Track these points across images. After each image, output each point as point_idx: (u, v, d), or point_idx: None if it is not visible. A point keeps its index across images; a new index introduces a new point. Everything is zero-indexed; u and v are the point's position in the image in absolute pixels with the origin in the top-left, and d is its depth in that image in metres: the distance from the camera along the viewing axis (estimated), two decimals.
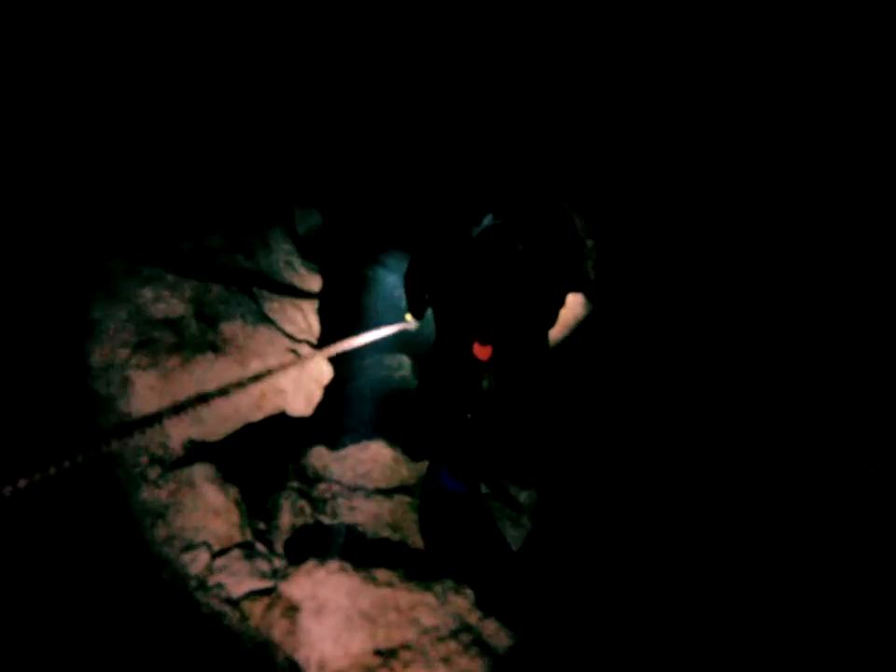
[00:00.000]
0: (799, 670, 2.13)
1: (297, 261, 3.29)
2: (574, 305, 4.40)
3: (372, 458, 2.95)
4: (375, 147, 4.30)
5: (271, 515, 2.76)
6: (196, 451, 2.68)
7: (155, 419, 1.82)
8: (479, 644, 2.20)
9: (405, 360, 3.72)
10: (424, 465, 2.95)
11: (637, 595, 2.51)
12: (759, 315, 3.11)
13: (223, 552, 2.57)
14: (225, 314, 2.78)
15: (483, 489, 2.88)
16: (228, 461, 2.74)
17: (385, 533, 2.65)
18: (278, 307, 3.02)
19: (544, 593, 2.55)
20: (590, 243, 4.56)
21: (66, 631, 2.00)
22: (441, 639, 2.20)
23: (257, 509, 2.79)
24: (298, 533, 2.63)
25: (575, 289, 4.39)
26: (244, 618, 2.41)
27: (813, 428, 2.64)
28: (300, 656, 2.17)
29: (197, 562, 2.53)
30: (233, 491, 2.66)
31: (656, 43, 3.39)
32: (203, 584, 2.50)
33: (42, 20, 2.77)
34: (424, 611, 2.38)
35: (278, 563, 2.56)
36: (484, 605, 2.34)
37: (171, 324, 2.66)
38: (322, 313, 3.46)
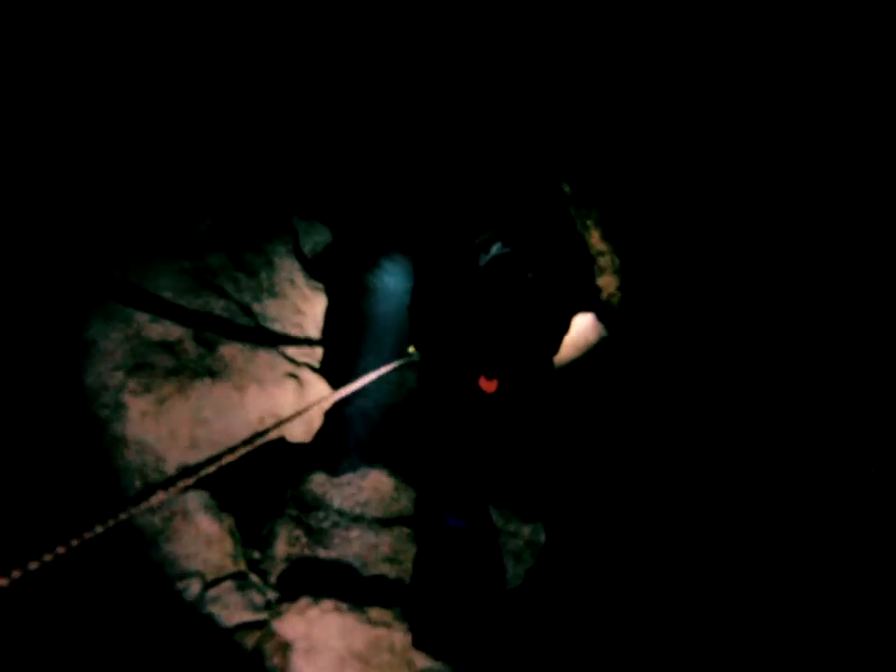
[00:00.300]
0: (799, 670, 2.10)
1: (301, 279, 3.22)
2: (585, 327, 4.30)
3: (373, 486, 2.88)
4: (382, 158, 4.22)
5: (266, 543, 2.70)
6: (190, 477, 2.61)
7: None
8: None
9: (410, 377, 3.64)
10: (425, 495, 2.87)
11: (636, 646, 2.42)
12: (771, 324, 3.04)
13: (216, 582, 2.51)
14: (224, 336, 2.72)
15: (497, 521, 2.79)
16: (224, 487, 2.68)
17: (383, 567, 2.57)
18: (280, 328, 2.95)
19: (534, 638, 2.46)
20: (602, 260, 4.45)
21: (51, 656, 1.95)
22: None
23: (252, 536, 2.73)
24: (293, 565, 2.57)
25: (585, 310, 4.29)
26: (234, 652, 2.35)
27: (813, 429, 2.61)
28: None
29: (189, 591, 2.48)
30: (228, 520, 2.59)
31: (662, 52, 3.30)
32: (194, 614, 2.44)
33: (41, 19, 2.72)
34: (418, 653, 2.31)
35: (271, 595, 2.50)
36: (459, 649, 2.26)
37: (168, 347, 2.60)
38: (327, 330, 3.39)
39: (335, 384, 3.27)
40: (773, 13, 2.79)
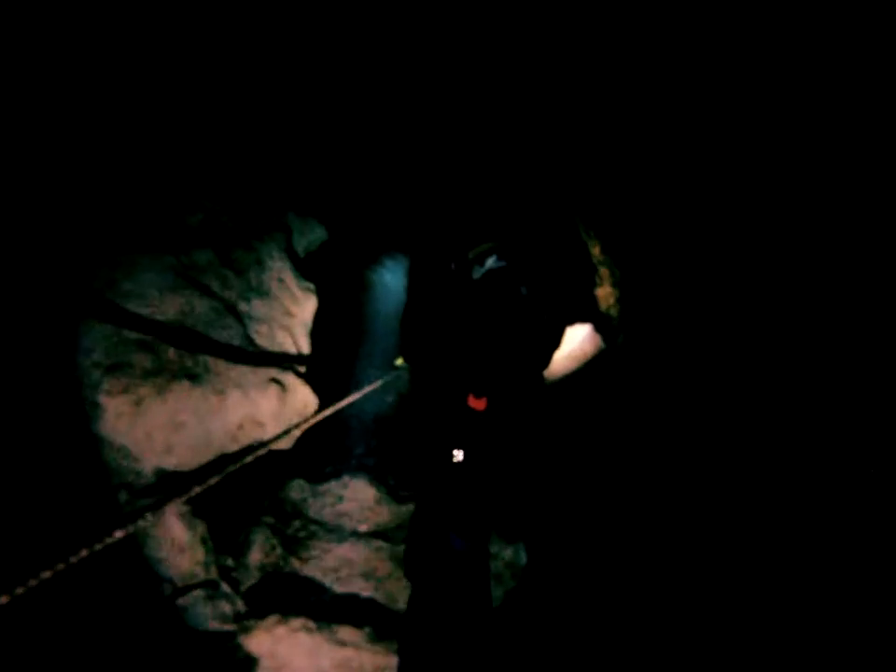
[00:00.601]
0: (799, 670, 2.10)
1: (291, 280, 3.13)
2: (582, 339, 4.21)
3: (353, 496, 2.81)
4: (384, 160, 4.12)
5: (241, 551, 2.64)
6: (166, 481, 2.55)
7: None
8: None
9: (397, 385, 3.57)
10: (406, 508, 2.81)
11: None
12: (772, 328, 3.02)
13: (186, 590, 2.46)
14: (207, 337, 2.64)
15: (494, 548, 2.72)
16: (199, 493, 2.61)
17: (356, 583, 2.51)
18: (266, 330, 2.87)
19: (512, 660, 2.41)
20: (602, 270, 4.36)
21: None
22: None
23: (227, 542, 2.67)
24: (266, 576, 2.51)
25: (583, 321, 4.20)
26: (198, 664, 2.30)
27: (813, 429, 2.60)
28: None
29: (159, 598, 2.42)
30: (201, 527, 2.53)
31: (667, 62, 3.22)
32: (162, 622, 2.39)
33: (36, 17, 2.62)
34: None
35: (241, 606, 2.45)
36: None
37: (147, 346, 2.52)
38: (318, 331, 3.32)
39: (330, 385, 3.21)
40: (773, 13, 2.74)
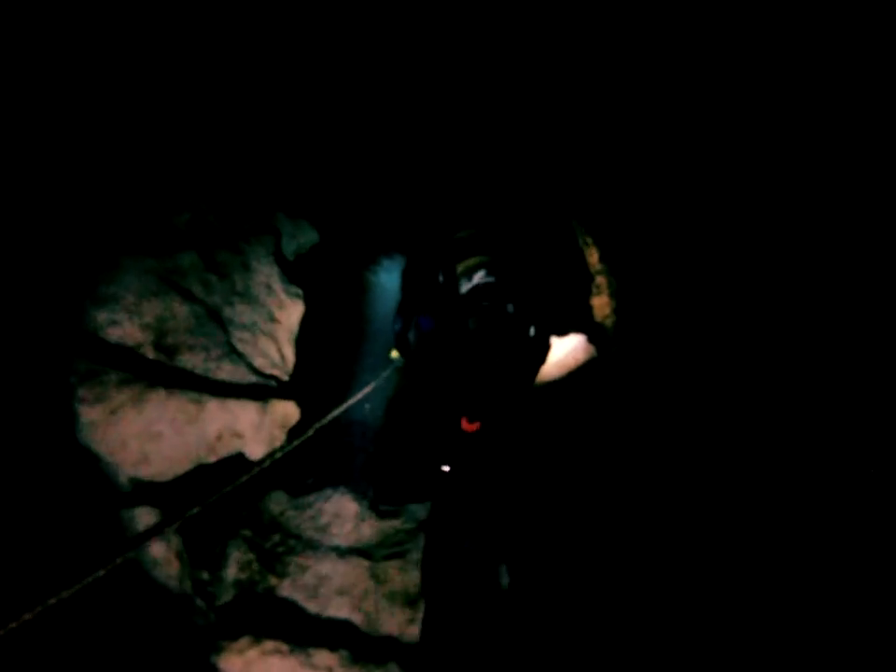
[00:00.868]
0: (799, 670, 2.10)
1: (278, 285, 3.05)
2: (575, 347, 4.15)
3: (334, 511, 2.74)
4: (379, 163, 4.03)
5: (217, 564, 2.57)
6: (142, 492, 2.48)
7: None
8: None
9: (383, 397, 3.50)
10: (388, 524, 2.74)
11: None
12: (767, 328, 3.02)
13: (159, 604, 2.39)
14: (187, 344, 2.56)
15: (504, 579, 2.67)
16: (176, 504, 2.54)
17: (334, 602, 2.44)
18: (249, 337, 2.79)
19: None
20: (599, 279, 4.28)
21: None
22: None
23: (204, 555, 2.60)
24: (241, 592, 2.44)
25: (577, 330, 4.13)
26: None
27: (813, 429, 2.63)
28: None
29: (133, 612, 2.36)
30: (176, 541, 2.47)
31: (670, 68, 3.17)
32: (133, 636, 2.32)
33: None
34: None
35: (215, 622, 2.38)
36: None
37: (125, 352, 2.44)
38: (309, 336, 3.24)
39: (318, 393, 3.13)
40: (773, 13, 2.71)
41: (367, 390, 2.77)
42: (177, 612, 2.39)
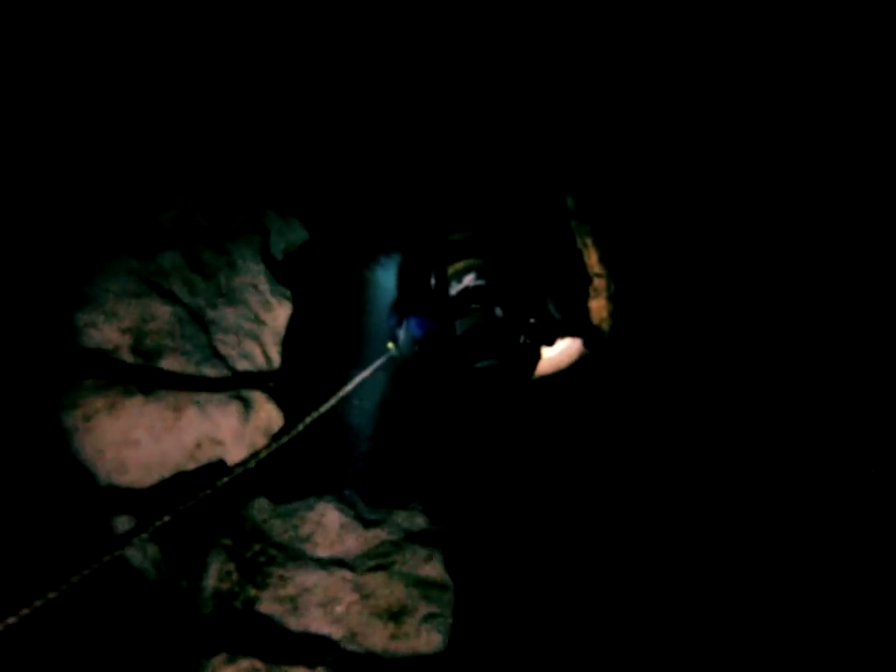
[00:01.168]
0: (799, 670, 2.11)
1: (265, 286, 2.97)
2: (569, 346, 4.05)
3: (317, 520, 2.67)
4: (374, 160, 3.93)
5: (197, 574, 2.50)
6: (118, 499, 2.41)
7: None
8: None
9: (372, 403, 3.42)
10: (372, 534, 2.67)
11: None
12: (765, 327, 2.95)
13: (135, 617, 2.32)
14: (167, 347, 2.48)
15: None
16: (154, 512, 2.47)
17: (314, 615, 2.38)
18: (233, 340, 2.71)
19: None
20: (597, 282, 4.18)
21: None
22: None
23: (183, 565, 2.53)
24: (219, 604, 2.38)
25: (573, 334, 4.04)
26: None
27: (813, 429, 2.63)
28: None
29: (105, 623, 2.29)
30: (153, 550, 2.40)
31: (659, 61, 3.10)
32: (108, 649, 2.26)
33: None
34: None
35: (191, 635, 2.31)
36: None
37: (102, 356, 2.37)
38: (301, 337, 3.15)
39: (306, 397, 3.05)
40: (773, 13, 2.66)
41: (356, 382, 2.68)
42: (153, 626, 2.33)
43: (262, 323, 2.86)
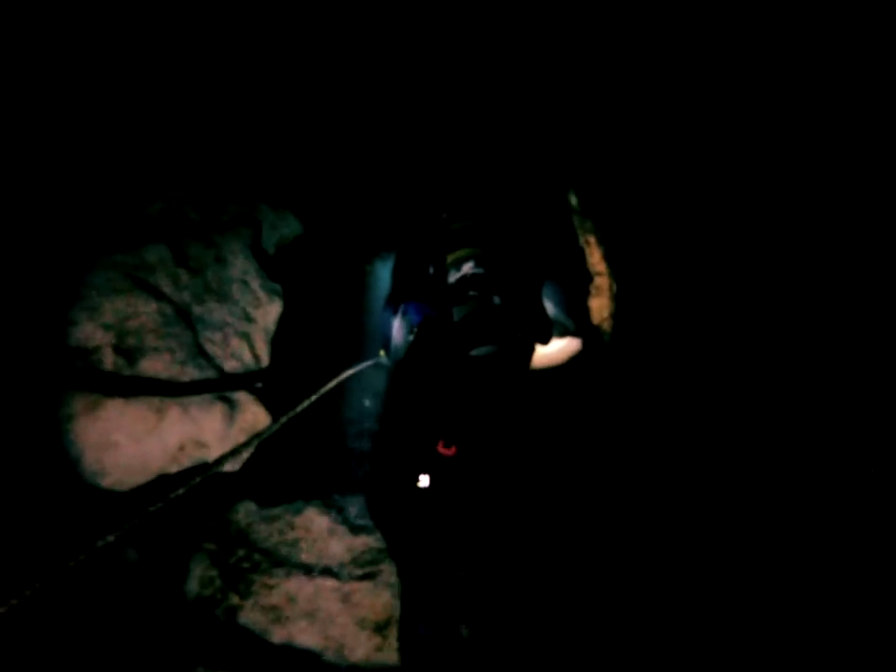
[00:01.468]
0: (799, 670, 2.11)
1: (255, 281, 2.87)
2: (566, 346, 3.96)
3: (304, 525, 2.60)
4: (373, 153, 3.82)
5: (180, 580, 2.43)
6: (98, 502, 2.33)
7: None
8: None
9: (365, 404, 3.33)
10: (360, 540, 2.59)
11: None
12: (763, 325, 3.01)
13: (112, 624, 2.26)
14: (150, 346, 2.40)
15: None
16: (128, 516, 2.39)
17: (298, 626, 2.31)
18: (220, 338, 2.62)
19: None
20: (599, 281, 4.08)
21: None
22: None
23: (164, 570, 2.47)
24: (200, 613, 2.31)
25: (573, 333, 3.94)
26: None
27: (813, 429, 2.62)
28: None
29: (80, 631, 2.22)
30: (132, 554, 2.33)
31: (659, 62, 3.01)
32: (84, 661, 2.19)
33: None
34: None
35: (170, 647, 2.25)
36: None
37: (82, 355, 2.28)
38: (288, 337, 3.06)
39: (296, 397, 2.96)
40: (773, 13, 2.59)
41: (338, 381, 2.58)
42: (129, 637, 2.26)
43: (251, 320, 2.77)
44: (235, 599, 2.34)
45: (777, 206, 3.00)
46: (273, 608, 2.34)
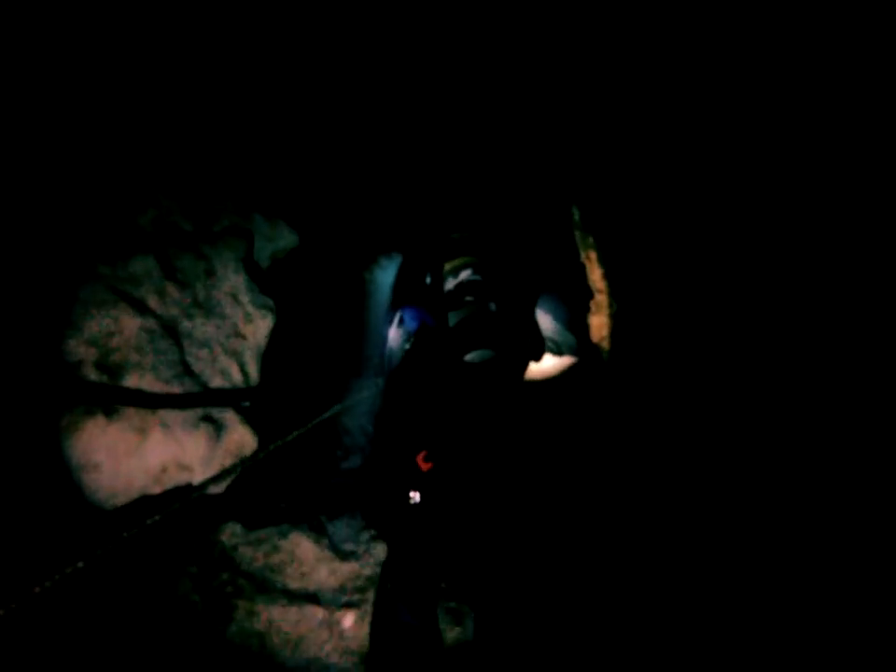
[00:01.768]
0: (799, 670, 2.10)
1: (246, 295, 2.80)
2: (559, 362, 3.90)
3: (290, 550, 2.53)
4: (372, 161, 3.76)
5: (161, 606, 2.36)
6: (80, 520, 2.26)
7: None
8: None
9: (358, 422, 3.26)
10: (347, 566, 2.52)
11: None
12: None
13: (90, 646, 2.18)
14: (134, 363, 2.33)
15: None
16: (111, 536, 2.33)
17: (279, 656, 2.24)
18: (207, 355, 2.55)
19: None
20: (599, 298, 4.01)
21: None
22: None
23: (146, 596, 2.39)
24: (181, 641, 2.23)
25: (570, 351, 3.89)
26: None
27: (813, 429, 2.60)
28: None
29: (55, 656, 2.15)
30: (112, 576, 2.25)
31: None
32: None
33: None
34: None
35: None
36: None
37: (61, 375, 2.21)
38: (280, 354, 2.99)
39: (288, 416, 2.90)
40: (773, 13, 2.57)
41: (332, 412, 2.53)
42: (108, 664, 2.19)
43: (241, 336, 2.70)
44: (217, 626, 2.27)
45: (779, 232, 2.95)
46: (256, 635, 2.27)
